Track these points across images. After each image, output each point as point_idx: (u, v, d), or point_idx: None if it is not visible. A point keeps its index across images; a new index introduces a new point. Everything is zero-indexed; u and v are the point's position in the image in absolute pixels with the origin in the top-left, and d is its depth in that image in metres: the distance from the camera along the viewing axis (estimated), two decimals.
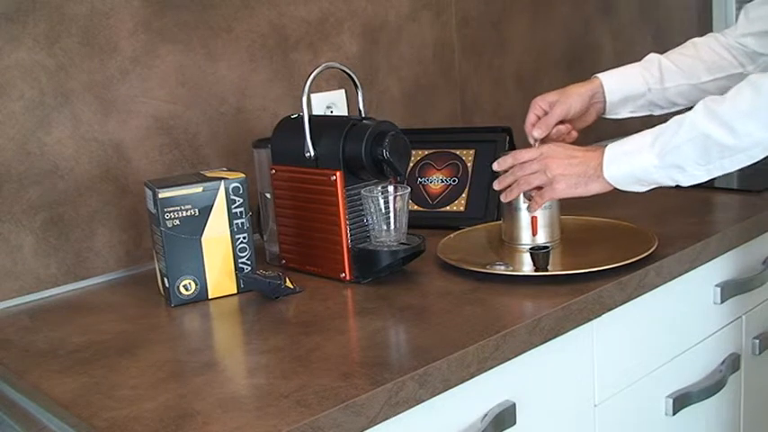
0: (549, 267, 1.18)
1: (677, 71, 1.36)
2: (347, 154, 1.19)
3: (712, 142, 1.10)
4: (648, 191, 1.19)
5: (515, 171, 1.22)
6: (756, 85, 1.07)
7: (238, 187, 1.18)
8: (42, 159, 1.26)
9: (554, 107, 1.30)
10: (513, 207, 1.28)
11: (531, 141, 1.29)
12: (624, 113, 1.38)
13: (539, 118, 1.31)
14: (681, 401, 1.32)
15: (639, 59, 1.40)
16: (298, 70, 1.54)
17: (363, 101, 1.26)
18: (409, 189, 1.20)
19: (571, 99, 1.32)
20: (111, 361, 1.00)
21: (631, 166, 1.15)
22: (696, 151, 1.11)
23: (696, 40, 1.41)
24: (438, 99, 1.81)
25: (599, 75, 1.36)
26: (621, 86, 1.35)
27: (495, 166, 1.25)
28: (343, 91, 1.61)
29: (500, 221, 1.34)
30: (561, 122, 1.31)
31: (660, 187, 1.18)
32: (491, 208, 1.45)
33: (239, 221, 1.18)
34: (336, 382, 0.88)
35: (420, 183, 1.52)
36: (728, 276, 1.42)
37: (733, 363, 1.43)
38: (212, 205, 1.17)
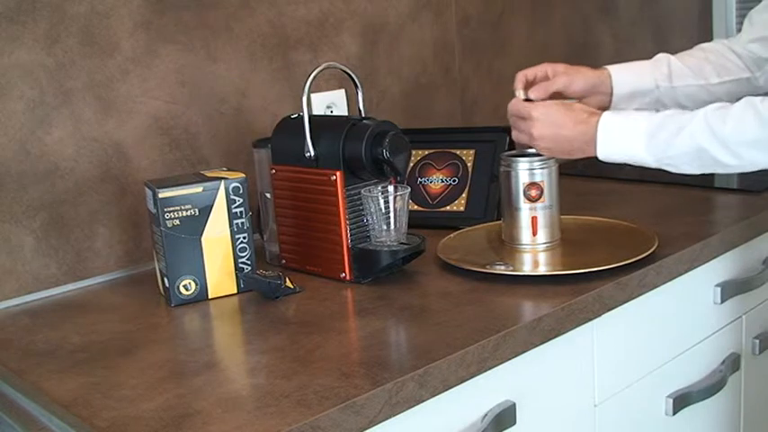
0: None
1: (686, 71, 1.36)
2: (347, 154, 1.19)
3: (709, 156, 1.12)
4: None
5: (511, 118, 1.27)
6: (761, 115, 1.08)
7: (238, 187, 1.18)
8: (42, 159, 1.26)
9: (558, 76, 1.32)
10: (513, 207, 1.28)
11: (518, 94, 1.28)
12: (629, 109, 1.38)
13: (532, 79, 1.31)
14: (681, 401, 1.32)
15: (640, 59, 1.39)
16: (298, 70, 1.54)
17: (363, 101, 1.26)
18: (409, 189, 1.20)
19: (577, 76, 1.33)
20: (111, 361, 1.00)
21: (626, 156, 1.18)
22: (691, 158, 1.14)
23: (704, 45, 1.42)
24: (438, 99, 1.81)
25: (608, 66, 1.36)
26: (631, 80, 1.35)
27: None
28: (343, 91, 1.61)
29: (500, 221, 1.34)
30: (559, 94, 1.31)
31: (659, 186, 1.18)
32: (491, 208, 1.45)
33: (239, 221, 1.18)
34: (336, 382, 0.88)
35: (420, 183, 1.52)
36: (728, 276, 1.41)
37: (733, 363, 1.43)
38: (212, 205, 1.17)
